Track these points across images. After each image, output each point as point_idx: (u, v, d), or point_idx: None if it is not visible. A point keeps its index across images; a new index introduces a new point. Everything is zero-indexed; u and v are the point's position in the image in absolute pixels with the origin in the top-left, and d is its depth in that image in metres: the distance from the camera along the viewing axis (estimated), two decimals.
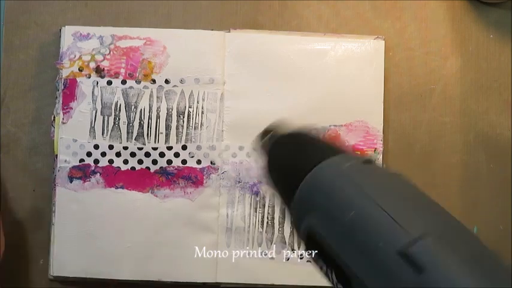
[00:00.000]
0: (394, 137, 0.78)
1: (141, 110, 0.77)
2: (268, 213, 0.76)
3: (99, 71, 0.77)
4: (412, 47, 0.79)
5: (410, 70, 0.79)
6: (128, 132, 0.77)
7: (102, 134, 0.77)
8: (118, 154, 0.77)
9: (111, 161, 0.77)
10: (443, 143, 0.79)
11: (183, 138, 0.77)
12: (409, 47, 0.79)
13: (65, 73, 0.77)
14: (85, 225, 0.76)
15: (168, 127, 0.77)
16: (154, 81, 0.77)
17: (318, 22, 0.79)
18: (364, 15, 0.79)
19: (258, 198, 0.76)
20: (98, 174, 0.76)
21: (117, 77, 0.77)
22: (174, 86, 0.77)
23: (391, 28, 0.79)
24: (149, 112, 0.77)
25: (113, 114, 0.77)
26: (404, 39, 0.79)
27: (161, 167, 0.76)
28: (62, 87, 0.77)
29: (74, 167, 0.76)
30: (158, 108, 0.77)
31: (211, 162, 0.77)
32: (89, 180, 0.76)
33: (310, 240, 0.47)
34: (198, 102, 0.77)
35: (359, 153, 0.77)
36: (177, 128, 0.77)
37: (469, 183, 0.78)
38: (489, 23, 0.79)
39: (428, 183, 0.78)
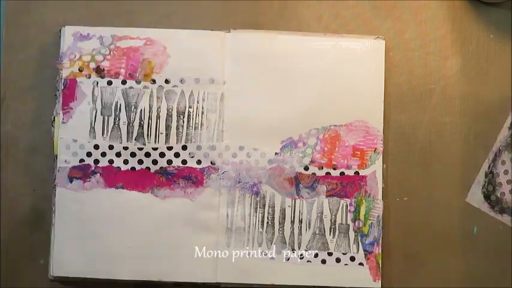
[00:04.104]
0: (394, 137, 0.78)
1: (141, 110, 0.77)
2: (268, 213, 0.76)
3: (99, 71, 0.77)
4: (412, 47, 0.79)
5: (410, 70, 0.79)
6: (128, 133, 0.77)
7: (102, 134, 0.77)
8: (118, 154, 0.77)
9: (111, 161, 0.77)
10: (443, 143, 0.79)
11: (183, 138, 0.77)
12: (409, 47, 0.79)
13: (64, 73, 0.77)
14: (85, 226, 0.76)
15: (168, 127, 0.77)
16: (154, 81, 0.77)
17: (318, 22, 0.79)
18: (364, 15, 0.79)
19: (258, 198, 0.77)
20: (98, 174, 0.76)
21: (117, 77, 0.77)
22: (174, 86, 0.77)
23: (391, 28, 0.79)
24: (149, 112, 0.77)
25: (113, 114, 0.77)
26: (404, 40, 0.79)
27: (161, 167, 0.77)
28: (62, 87, 0.77)
29: (74, 167, 0.76)
30: (158, 108, 0.77)
31: (211, 162, 0.77)
32: (89, 180, 0.76)
33: None
34: (198, 102, 0.77)
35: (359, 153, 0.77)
36: (177, 128, 0.77)
37: (469, 183, 0.78)
38: (489, 23, 0.79)
39: (428, 183, 0.78)
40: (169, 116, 0.77)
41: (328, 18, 0.79)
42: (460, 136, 0.79)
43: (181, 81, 0.77)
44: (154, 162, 0.77)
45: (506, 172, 0.78)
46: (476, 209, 0.78)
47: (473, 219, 0.78)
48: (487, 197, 0.78)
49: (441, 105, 0.79)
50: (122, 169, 0.77)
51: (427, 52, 0.79)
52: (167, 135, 0.77)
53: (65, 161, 0.76)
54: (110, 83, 0.77)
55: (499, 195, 0.78)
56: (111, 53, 0.77)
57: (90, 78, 0.77)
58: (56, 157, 0.77)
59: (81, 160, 0.77)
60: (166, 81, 0.77)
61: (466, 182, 0.78)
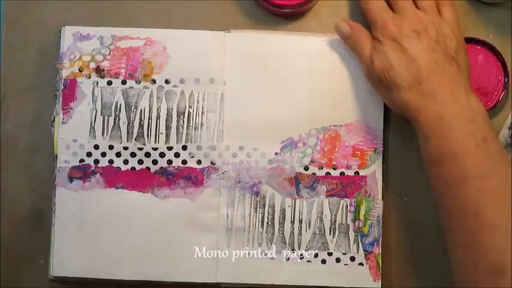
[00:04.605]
0: (394, 137, 0.78)
1: (141, 110, 0.77)
2: (268, 213, 0.76)
3: (99, 71, 0.77)
4: None
5: None
6: (128, 133, 0.77)
7: (102, 134, 0.77)
8: (118, 154, 0.77)
9: (111, 161, 0.77)
10: None
11: (183, 138, 0.77)
12: None
13: (64, 73, 0.77)
14: (85, 226, 0.76)
15: (168, 127, 0.77)
16: (154, 81, 0.77)
17: (317, 22, 0.79)
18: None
19: (258, 198, 0.77)
20: (98, 174, 0.76)
21: (117, 77, 0.77)
22: (174, 86, 0.77)
23: None
24: (149, 112, 0.77)
25: (113, 114, 0.77)
26: None
27: (161, 167, 0.76)
28: (62, 87, 0.77)
29: (74, 167, 0.76)
30: (158, 109, 0.77)
31: (211, 163, 0.77)
32: (89, 181, 0.76)
33: None
34: (198, 103, 0.77)
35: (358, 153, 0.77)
36: (177, 128, 0.77)
37: None
38: (489, 23, 0.79)
39: (428, 183, 0.78)
40: (169, 116, 0.77)
41: (328, 18, 0.79)
42: None
43: (182, 81, 0.77)
44: (155, 162, 0.77)
45: None
46: None
47: None
48: None
49: None
50: (122, 169, 0.77)
51: None
52: (167, 135, 0.77)
53: (65, 161, 0.76)
54: (110, 83, 0.77)
55: None
56: (111, 53, 0.77)
57: (90, 78, 0.77)
58: (56, 157, 0.77)
59: (81, 160, 0.76)
60: (167, 82, 0.77)
61: None
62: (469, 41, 0.77)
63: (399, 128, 0.78)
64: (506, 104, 0.79)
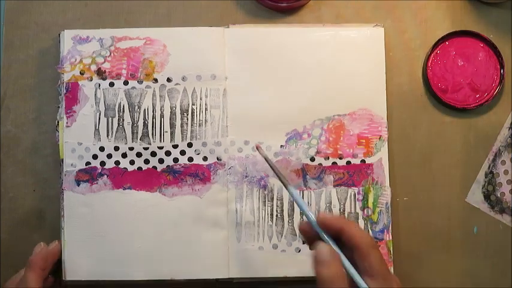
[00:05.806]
0: (394, 137, 0.79)
1: (144, 109, 0.77)
2: (277, 206, 0.77)
3: (100, 73, 0.76)
4: (412, 47, 0.79)
5: (410, 70, 0.79)
6: (132, 133, 0.76)
7: (107, 135, 0.76)
8: (124, 155, 0.76)
9: (117, 163, 0.76)
10: (443, 143, 0.79)
11: (188, 135, 0.77)
12: (409, 47, 0.80)
13: (66, 77, 0.76)
14: (95, 228, 0.75)
15: (172, 125, 0.77)
16: (156, 80, 0.77)
17: (318, 22, 0.80)
18: (364, 16, 0.80)
19: (266, 192, 0.77)
20: (105, 176, 0.76)
21: (119, 78, 0.77)
22: (176, 84, 0.77)
23: (391, 28, 0.79)
24: (153, 111, 0.77)
25: (117, 115, 0.76)
26: (404, 39, 0.80)
27: (168, 166, 0.76)
28: (64, 91, 0.76)
29: (80, 171, 0.75)
30: (162, 107, 0.77)
31: (217, 158, 0.77)
32: (96, 183, 0.75)
33: None
34: (201, 99, 0.77)
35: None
36: (181, 126, 0.77)
37: (469, 183, 0.79)
38: (489, 23, 0.80)
39: (428, 183, 0.79)
40: (173, 114, 0.77)
41: (328, 18, 0.80)
42: (460, 136, 0.79)
43: (183, 78, 0.77)
44: (161, 161, 0.76)
45: (506, 172, 0.78)
46: (476, 209, 0.79)
47: (473, 219, 0.79)
48: (487, 197, 0.78)
49: (441, 105, 0.79)
50: (129, 170, 0.76)
51: (427, 52, 0.79)
52: (172, 134, 0.77)
53: (71, 165, 0.75)
54: (112, 84, 0.76)
55: (499, 195, 0.78)
56: (112, 54, 0.77)
57: (91, 80, 0.76)
58: (62, 161, 0.75)
59: (88, 163, 0.76)
60: (168, 80, 0.77)
61: (466, 182, 0.79)
62: (474, 36, 0.79)
63: (399, 128, 0.79)
64: (505, 104, 0.79)
